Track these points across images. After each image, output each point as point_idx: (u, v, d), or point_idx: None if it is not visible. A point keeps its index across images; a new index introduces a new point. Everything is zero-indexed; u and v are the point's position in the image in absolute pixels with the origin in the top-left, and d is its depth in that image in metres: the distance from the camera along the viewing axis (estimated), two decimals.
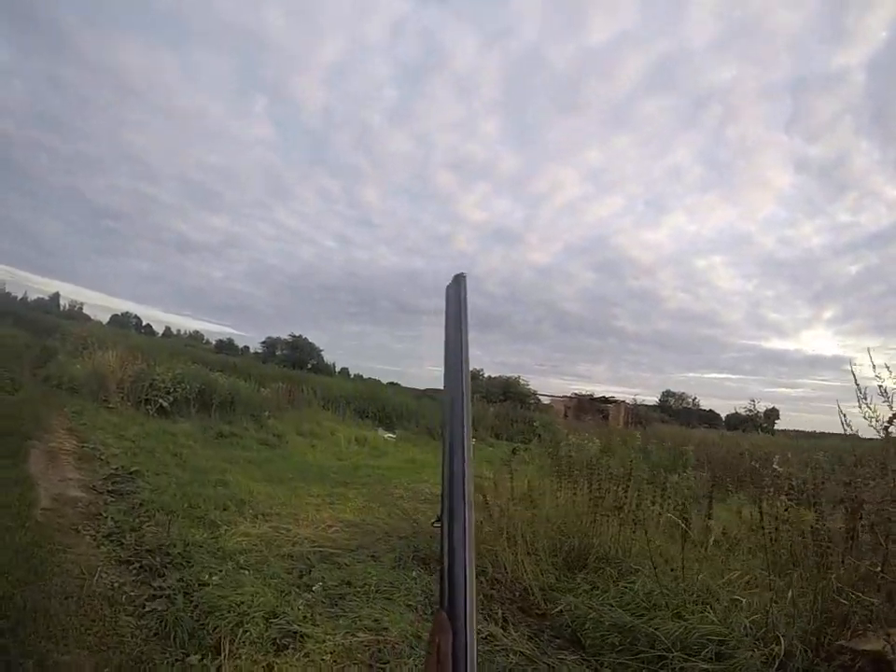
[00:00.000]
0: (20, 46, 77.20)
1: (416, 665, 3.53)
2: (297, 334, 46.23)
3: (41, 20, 71.14)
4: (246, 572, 4.67)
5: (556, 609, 4.87)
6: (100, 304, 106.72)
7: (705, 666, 3.70)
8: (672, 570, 5.10)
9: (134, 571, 4.48)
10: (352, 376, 46.41)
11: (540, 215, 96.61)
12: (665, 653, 3.86)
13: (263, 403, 15.42)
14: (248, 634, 3.63)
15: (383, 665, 3.57)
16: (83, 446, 8.44)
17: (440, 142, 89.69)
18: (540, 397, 38.10)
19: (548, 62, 72.69)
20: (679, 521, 5.27)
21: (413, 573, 5.30)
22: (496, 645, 4.13)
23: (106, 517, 5.58)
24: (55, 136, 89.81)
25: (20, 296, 55.15)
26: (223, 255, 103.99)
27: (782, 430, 37.07)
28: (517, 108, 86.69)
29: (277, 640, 3.66)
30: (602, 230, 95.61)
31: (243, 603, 3.98)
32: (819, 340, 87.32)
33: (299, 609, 4.11)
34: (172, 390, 13.19)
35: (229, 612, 3.84)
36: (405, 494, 9.51)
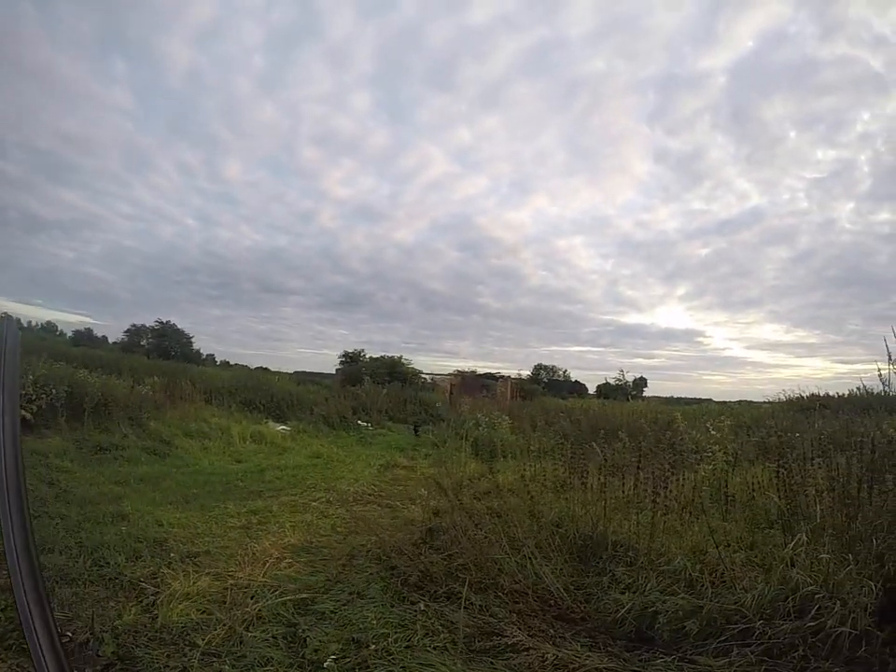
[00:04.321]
0: None
1: None
2: (164, 320, 41.93)
3: None
4: (225, 664, 3.29)
5: (594, 608, 4.19)
6: None
7: (793, 626, 3.37)
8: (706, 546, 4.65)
9: None
10: (218, 363, 43.51)
11: (407, 192, 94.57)
12: (748, 625, 3.47)
13: (141, 403, 13.28)
14: None
15: None
16: None
17: (307, 114, 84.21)
18: (424, 376, 37.51)
19: (425, 39, 71.08)
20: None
21: (420, 605, 4.22)
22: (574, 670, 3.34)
23: None
24: None
25: None
26: (76, 235, 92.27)
27: (648, 397, 39.59)
28: (389, 84, 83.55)
29: None
30: (468, 208, 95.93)
31: None
32: (672, 314, 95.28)
33: None
34: (35, 398, 10.72)
35: None
36: (330, 497, 8.38)
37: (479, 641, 3.70)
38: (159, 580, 4.59)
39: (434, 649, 3.58)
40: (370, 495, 8.78)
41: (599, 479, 5.82)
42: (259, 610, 4.07)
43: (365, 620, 3.95)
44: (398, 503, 7.99)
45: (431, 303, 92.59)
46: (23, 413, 10.39)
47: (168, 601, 4.14)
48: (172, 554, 5.24)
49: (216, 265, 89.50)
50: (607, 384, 50.78)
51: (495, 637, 3.72)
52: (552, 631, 3.87)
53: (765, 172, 71.72)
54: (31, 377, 11.01)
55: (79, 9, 66.78)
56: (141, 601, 4.19)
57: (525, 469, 7.01)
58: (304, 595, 4.40)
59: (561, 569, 4.68)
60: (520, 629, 3.83)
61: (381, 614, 4.04)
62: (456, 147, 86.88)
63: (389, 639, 3.66)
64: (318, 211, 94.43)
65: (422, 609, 4.15)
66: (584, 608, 4.20)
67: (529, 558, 4.72)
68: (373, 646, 3.58)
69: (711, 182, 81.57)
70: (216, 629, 3.76)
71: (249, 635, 3.71)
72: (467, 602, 4.09)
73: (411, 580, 4.68)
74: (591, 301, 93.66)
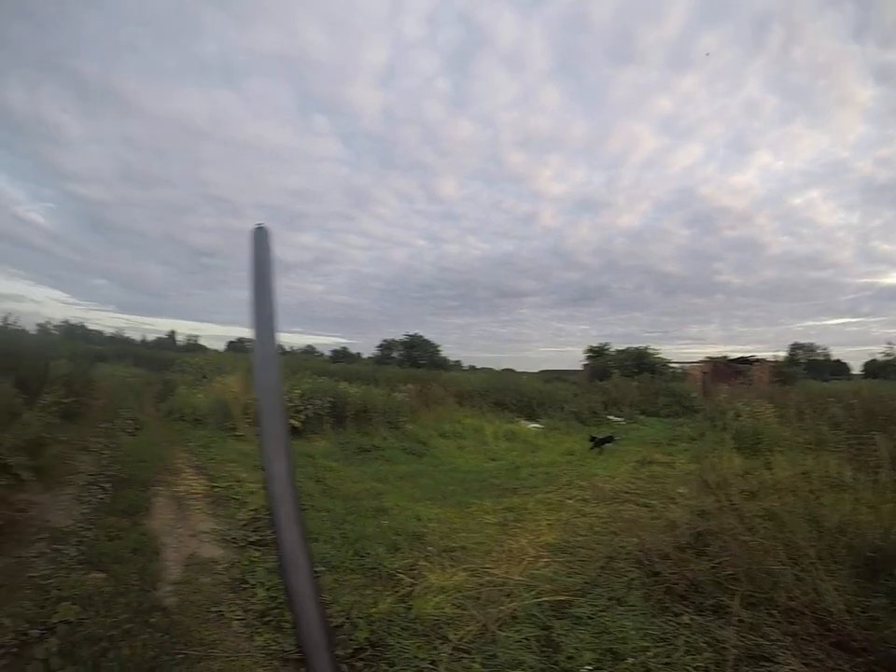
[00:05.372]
0: (88, 114, 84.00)
1: None
2: (412, 333, 46.06)
3: (98, 85, 75.03)
4: (475, 662, 3.38)
5: (879, 636, 3.45)
6: (214, 334, 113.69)
7: None
8: None
9: None
10: (465, 368, 45.80)
11: (621, 176, 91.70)
12: None
13: (398, 408, 14.41)
14: None
15: None
16: (214, 486, 7.57)
17: (502, 121, 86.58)
18: (673, 365, 35.62)
19: (591, 17, 68.77)
20: None
21: (685, 618, 3.86)
22: None
23: (255, 585, 4.49)
24: (140, 190, 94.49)
25: (138, 339, 60.03)
26: (318, 270, 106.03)
27: None
28: (572, 72, 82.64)
29: None
30: (687, 181, 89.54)
31: None
32: None
33: None
34: (302, 408, 12.48)
35: None
36: (585, 495, 8.06)
37: (745, 665, 3.31)
38: (416, 572, 4.85)
39: (695, 669, 3.29)
40: (626, 492, 8.43)
41: (893, 476, 5.01)
42: (514, 610, 4.07)
43: (623, 629, 3.74)
44: (656, 502, 7.61)
45: (668, 288, 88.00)
46: (292, 421, 12.06)
47: (423, 593, 4.35)
48: (429, 548, 5.49)
49: (450, 278, 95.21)
50: (874, 360, 43.49)
51: (764, 663, 3.31)
52: (830, 662, 3.34)
53: None
54: (297, 391, 12.79)
55: (270, 86, 76.82)
56: (397, 591, 4.45)
57: (805, 464, 6.28)
58: (561, 597, 4.29)
59: (844, 586, 4.04)
60: (794, 655, 3.36)
61: (641, 624, 3.80)
62: (659, 118, 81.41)
63: (648, 653, 3.43)
64: (537, 211, 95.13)
65: (686, 622, 3.81)
66: (867, 635, 3.54)
67: (808, 571, 4.17)
68: (631, 659, 3.38)
69: None
70: (468, 625, 3.85)
71: (502, 634, 3.73)
72: (735, 618, 3.76)
73: (676, 588, 4.32)
74: (842, 263, 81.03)
